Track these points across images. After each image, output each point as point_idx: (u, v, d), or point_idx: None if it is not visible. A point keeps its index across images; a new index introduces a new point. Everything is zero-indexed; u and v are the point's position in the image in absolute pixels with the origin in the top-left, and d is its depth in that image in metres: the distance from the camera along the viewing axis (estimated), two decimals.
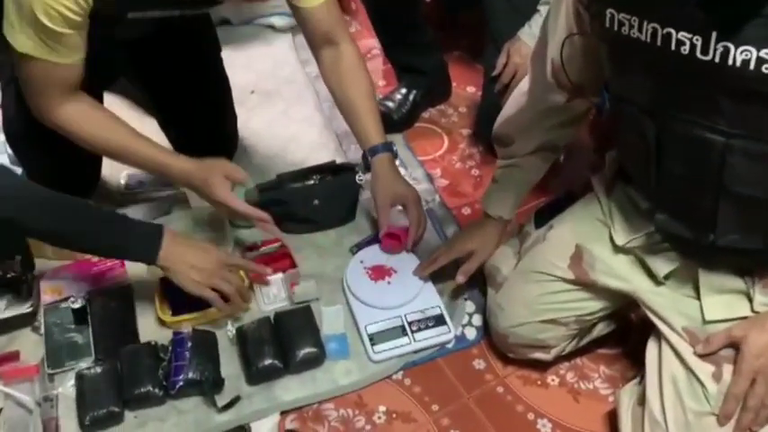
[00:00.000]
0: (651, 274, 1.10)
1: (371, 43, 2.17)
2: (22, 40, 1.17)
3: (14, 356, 1.30)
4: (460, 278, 1.34)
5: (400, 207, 1.43)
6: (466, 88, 1.99)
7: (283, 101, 1.92)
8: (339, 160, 1.62)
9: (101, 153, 1.40)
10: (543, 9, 1.49)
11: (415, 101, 1.84)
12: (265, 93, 1.96)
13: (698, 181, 0.95)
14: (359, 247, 1.51)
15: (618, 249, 1.13)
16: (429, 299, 1.38)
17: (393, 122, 1.81)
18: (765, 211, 0.93)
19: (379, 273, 1.42)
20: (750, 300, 1.03)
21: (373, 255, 1.45)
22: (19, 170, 1.56)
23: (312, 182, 1.55)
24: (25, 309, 1.35)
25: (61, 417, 1.21)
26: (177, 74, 1.57)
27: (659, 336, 1.11)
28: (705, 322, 1.04)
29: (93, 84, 1.54)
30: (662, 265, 1.09)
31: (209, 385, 1.23)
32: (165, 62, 1.57)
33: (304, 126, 1.84)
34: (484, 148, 1.78)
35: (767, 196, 0.91)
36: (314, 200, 1.52)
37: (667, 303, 1.09)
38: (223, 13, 2.17)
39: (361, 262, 1.44)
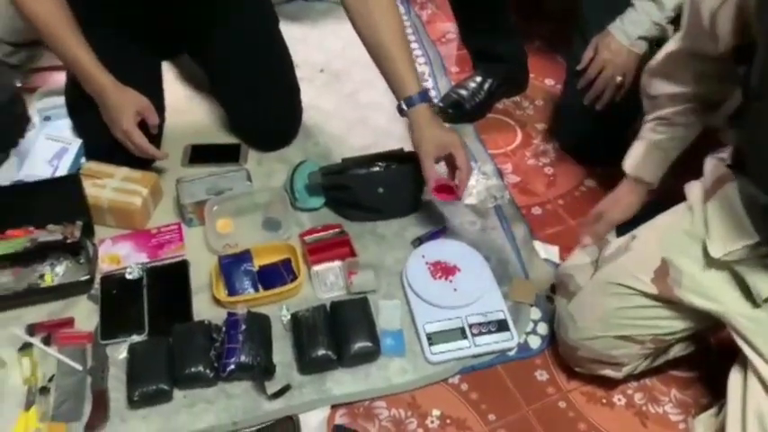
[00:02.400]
0: (748, 295, 1.00)
1: (447, 27, 2.09)
2: None
3: (69, 323, 1.29)
4: (586, 239, 1.23)
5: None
6: (544, 81, 1.89)
7: (352, 82, 1.87)
8: (407, 148, 1.55)
9: (40, 34, 1.38)
10: (638, 4, 1.39)
11: (489, 90, 1.75)
12: (334, 73, 1.91)
13: None
14: (421, 240, 1.44)
15: (710, 264, 1.03)
16: (493, 302, 1.31)
17: (465, 112, 1.73)
18: None
19: (441, 270, 1.35)
20: None
21: (436, 250, 1.39)
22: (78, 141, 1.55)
23: (377, 169, 1.48)
24: (83, 276, 1.34)
25: (111, 389, 1.20)
26: (234, 41, 1.54)
27: (745, 364, 1.01)
28: None
29: (155, 53, 1.53)
30: (765, 284, 0.98)
31: (261, 371, 1.19)
32: (221, 31, 1.54)
33: (371, 110, 1.78)
34: (560, 145, 1.69)
35: None
36: (378, 187, 1.46)
37: (762, 330, 0.99)
38: None
39: (423, 257, 1.38)
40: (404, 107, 1.33)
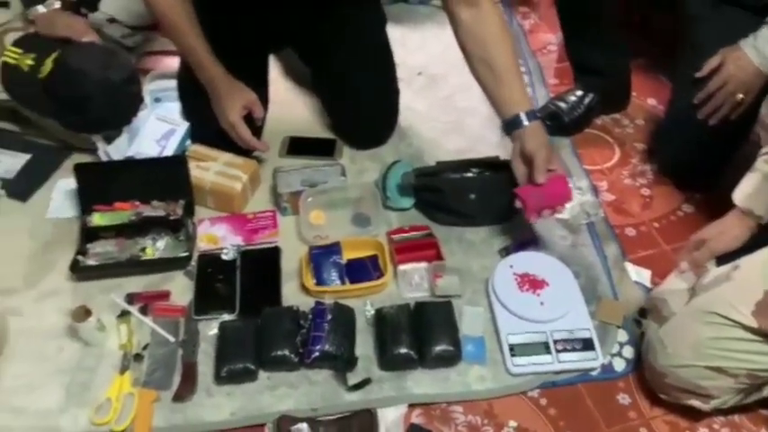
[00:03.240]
0: None
1: (548, 38, 2.07)
2: None
3: (165, 295, 1.35)
4: (684, 266, 1.21)
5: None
6: (647, 100, 1.85)
7: (449, 86, 1.87)
8: (502, 156, 1.54)
9: (160, 22, 1.46)
10: None
11: (589, 105, 1.72)
12: (432, 76, 1.92)
13: None
14: (508, 250, 1.44)
15: None
16: (579, 320, 1.29)
17: (562, 124, 1.71)
18: None
19: (529, 282, 1.34)
20: None
21: (525, 262, 1.38)
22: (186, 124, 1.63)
23: (471, 174, 1.49)
24: (182, 252, 1.40)
25: (200, 363, 1.25)
26: (340, 39, 1.57)
27: None
28: None
29: (259, 45, 1.59)
30: None
31: (343, 362, 1.22)
32: (329, 29, 1.56)
33: (467, 115, 1.79)
34: (659, 167, 1.64)
35: None
36: (470, 193, 1.46)
37: None
38: None
39: (511, 267, 1.37)
40: (521, 121, 1.30)
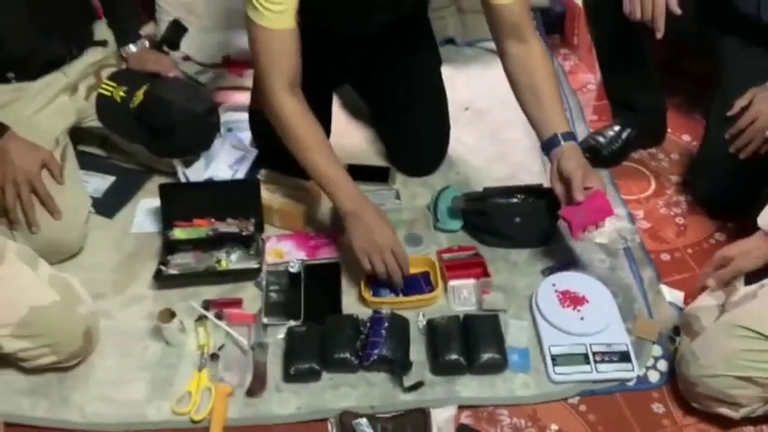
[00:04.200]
0: None
1: (588, 78, 2.20)
2: (249, 9, 1.38)
3: (238, 303, 1.50)
4: (710, 282, 1.31)
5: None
6: (681, 136, 1.96)
7: (494, 120, 2.02)
8: (545, 184, 1.67)
9: (289, 146, 1.48)
10: None
11: (627, 139, 1.85)
12: (478, 111, 2.07)
13: None
14: (551, 270, 1.56)
15: None
16: (617, 335, 1.40)
17: (601, 157, 1.83)
18: None
19: (570, 299, 1.45)
20: None
21: (566, 280, 1.49)
22: (254, 151, 1.79)
23: (515, 200, 1.62)
24: (253, 264, 1.55)
25: (269, 363, 1.38)
26: (399, 79, 1.73)
27: None
28: None
29: (326, 83, 1.74)
30: None
31: (399, 365, 1.34)
32: (389, 69, 1.73)
33: (511, 146, 1.92)
34: (693, 198, 1.75)
35: None
36: (515, 217, 1.59)
37: None
38: (450, 33, 2.32)
39: (554, 285, 1.48)
40: (559, 141, 1.43)
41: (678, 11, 1.45)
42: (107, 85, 1.70)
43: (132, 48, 1.74)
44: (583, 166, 1.42)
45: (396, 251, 1.42)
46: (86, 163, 1.79)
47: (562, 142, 1.43)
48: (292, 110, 1.45)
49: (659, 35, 1.47)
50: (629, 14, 1.50)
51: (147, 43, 1.78)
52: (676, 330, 1.43)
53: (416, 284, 1.52)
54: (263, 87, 1.46)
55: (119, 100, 1.67)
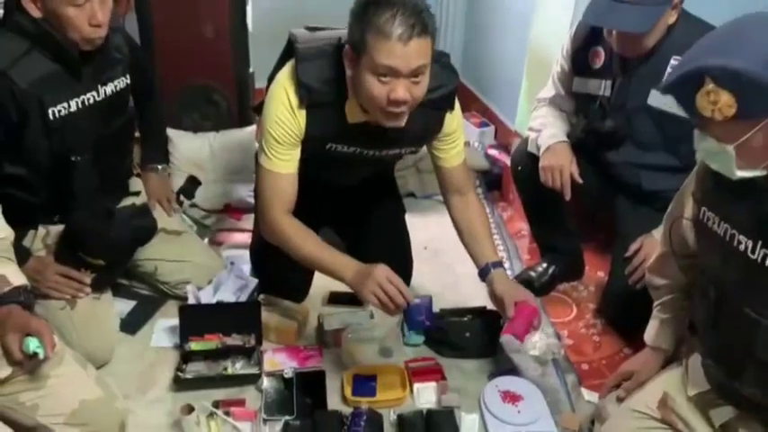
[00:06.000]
0: (711, 424, 1.43)
1: (522, 225, 2.71)
2: (262, 157, 1.78)
3: (242, 402, 1.82)
4: (621, 393, 1.65)
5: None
6: (596, 272, 2.45)
7: (448, 257, 2.46)
8: (489, 307, 2.09)
9: (296, 257, 1.78)
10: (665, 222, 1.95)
11: (553, 274, 2.31)
12: (435, 250, 2.52)
13: (737, 342, 1.28)
14: (494, 375, 1.94)
15: (689, 399, 1.48)
16: (546, 425, 1.77)
17: (533, 288, 2.25)
18: None
19: (510, 397, 1.83)
20: None
21: (507, 382, 1.88)
22: (254, 281, 2.19)
23: (466, 319, 2.04)
24: (254, 371, 1.90)
25: None
26: (372, 223, 2.17)
27: None
28: None
29: (313, 223, 2.13)
30: (717, 416, 1.42)
31: None
32: (364, 215, 2.18)
33: (463, 278, 2.35)
34: (606, 321, 2.20)
35: None
36: (466, 332, 2.00)
37: None
38: (410, 188, 2.84)
39: (497, 386, 1.87)
40: (489, 269, 1.84)
41: (580, 180, 1.98)
42: None
43: (158, 167, 2.19)
44: (509, 287, 1.84)
45: (390, 278, 1.68)
46: (113, 290, 2.15)
47: (492, 270, 1.85)
48: (290, 225, 1.80)
49: (567, 198, 1.98)
50: (544, 183, 2.02)
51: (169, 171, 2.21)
52: (593, 422, 1.80)
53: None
54: (265, 216, 1.79)
55: None
